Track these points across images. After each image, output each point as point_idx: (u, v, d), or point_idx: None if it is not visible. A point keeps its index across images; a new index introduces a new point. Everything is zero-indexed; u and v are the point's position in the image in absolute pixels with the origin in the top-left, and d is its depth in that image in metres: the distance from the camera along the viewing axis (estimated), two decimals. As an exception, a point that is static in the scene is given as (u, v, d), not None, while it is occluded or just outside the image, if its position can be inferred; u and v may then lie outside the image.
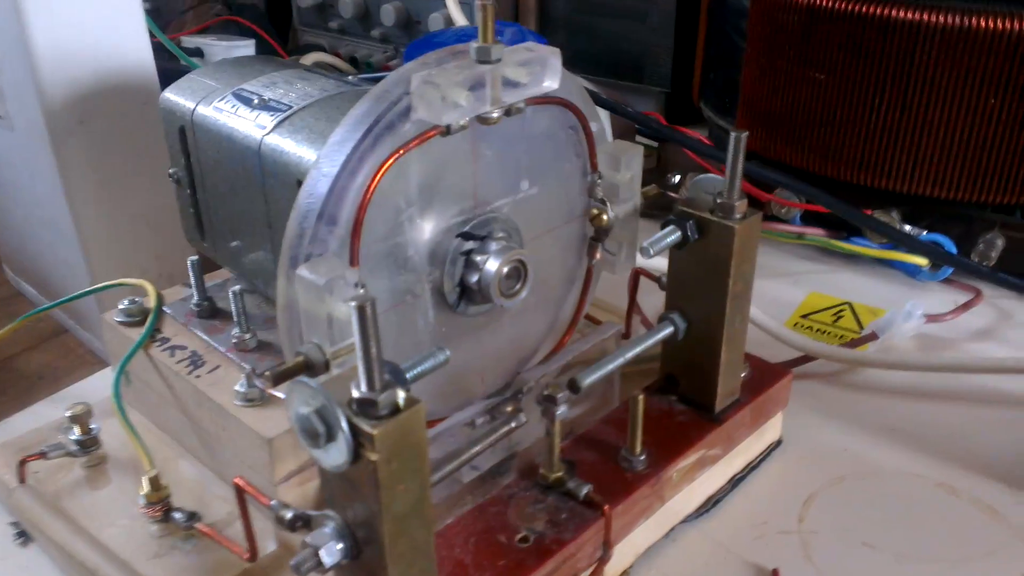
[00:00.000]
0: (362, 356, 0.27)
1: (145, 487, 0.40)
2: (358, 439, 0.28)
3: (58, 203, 0.56)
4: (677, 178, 0.74)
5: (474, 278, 0.38)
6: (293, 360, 0.33)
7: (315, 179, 0.34)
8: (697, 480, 0.44)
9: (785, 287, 0.67)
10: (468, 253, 0.38)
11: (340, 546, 0.31)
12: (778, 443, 0.50)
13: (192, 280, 0.47)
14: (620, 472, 0.41)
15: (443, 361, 0.33)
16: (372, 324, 0.27)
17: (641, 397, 0.41)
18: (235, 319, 0.44)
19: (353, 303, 0.27)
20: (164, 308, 0.48)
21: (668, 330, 0.44)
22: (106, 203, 0.57)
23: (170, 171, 0.47)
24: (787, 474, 0.48)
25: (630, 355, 0.42)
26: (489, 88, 0.35)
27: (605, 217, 0.43)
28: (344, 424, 0.28)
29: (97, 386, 0.56)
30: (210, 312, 0.47)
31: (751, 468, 0.48)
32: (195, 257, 0.47)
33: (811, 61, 0.66)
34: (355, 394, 0.28)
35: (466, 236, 0.39)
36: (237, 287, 0.44)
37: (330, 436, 0.28)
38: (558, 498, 0.40)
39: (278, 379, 0.32)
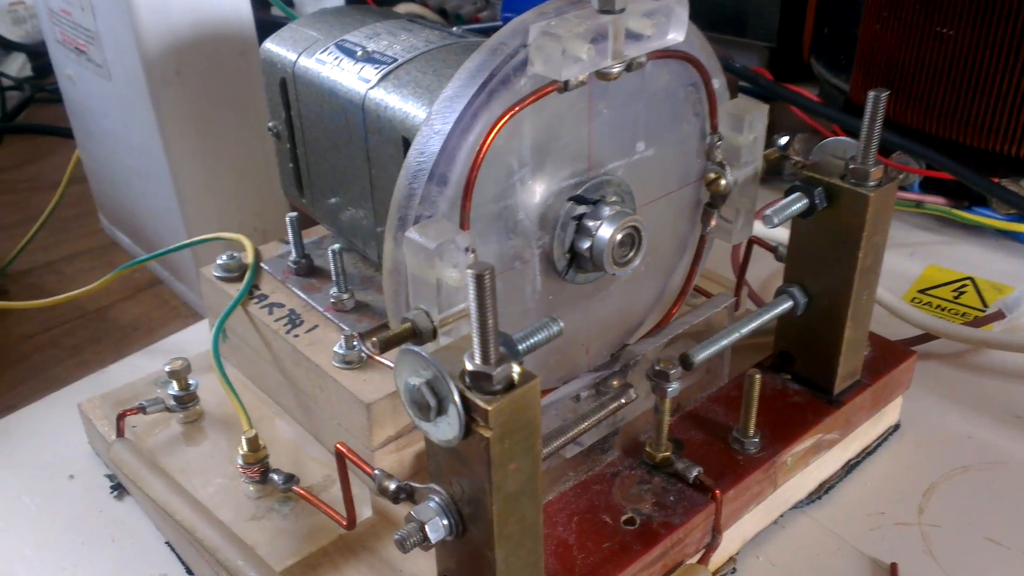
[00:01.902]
0: (478, 328, 0.26)
1: (244, 447, 0.39)
2: (470, 414, 0.26)
3: (155, 154, 0.56)
4: (784, 139, 0.70)
5: (585, 244, 0.36)
6: (400, 326, 0.31)
7: (426, 136, 0.32)
8: (810, 465, 0.42)
9: (901, 259, 0.63)
10: (580, 218, 0.36)
11: (445, 522, 0.29)
12: (896, 427, 0.47)
13: (290, 237, 0.46)
14: (731, 454, 0.39)
15: (556, 333, 0.31)
16: (490, 294, 0.25)
17: (758, 376, 0.38)
18: (333, 278, 0.43)
19: (471, 271, 0.25)
20: (262, 264, 0.47)
21: (787, 304, 0.41)
22: (202, 155, 0.57)
23: (269, 124, 0.46)
24: (906, 461, 0.45)
25: (746, 331, 0.39)
26: (611, 40, 0.33)
27: (723, 182, 0.40)
28: (457, 397, 0.26)
29: (191, 339, 0.56)
30: (307, 270, 0.46)
31: (867, 453, 0.45)
32: (294, 214, 0.45)
33: (938, 15, 0.61)
34: (468, 366, 0.26)
35: (578, 200, 0.36)
36: (336, 246, 0.43)
37: (441, 409, 0.27)
38: (665, 479, 0.38)
39: (386, 345, 0.30)
